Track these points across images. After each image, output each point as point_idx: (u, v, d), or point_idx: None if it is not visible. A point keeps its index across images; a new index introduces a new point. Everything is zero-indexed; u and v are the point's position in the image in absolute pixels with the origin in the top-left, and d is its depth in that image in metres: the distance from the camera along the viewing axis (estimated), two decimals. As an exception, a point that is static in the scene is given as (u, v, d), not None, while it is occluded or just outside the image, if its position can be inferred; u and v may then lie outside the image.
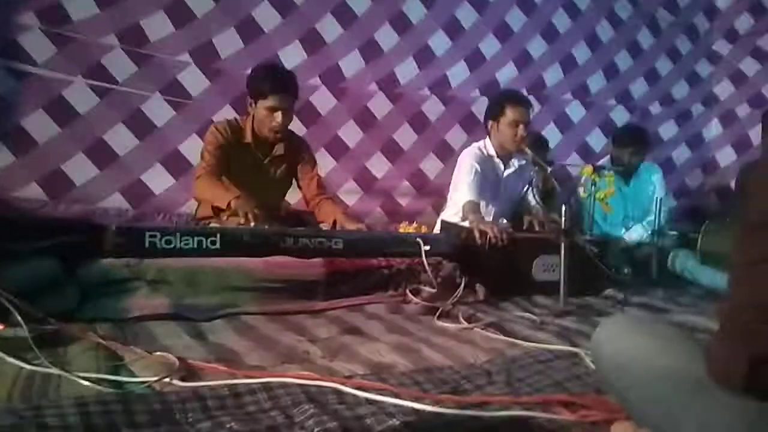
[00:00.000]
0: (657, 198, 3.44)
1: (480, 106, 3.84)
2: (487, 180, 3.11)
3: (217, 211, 2.58)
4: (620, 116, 4.62)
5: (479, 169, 3.05)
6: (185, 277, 2.04)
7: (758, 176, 0.80)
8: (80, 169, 3.10)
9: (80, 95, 3.08)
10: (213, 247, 2.13)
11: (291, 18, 3.56)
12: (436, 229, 3.02)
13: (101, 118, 3.14)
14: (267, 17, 3.50)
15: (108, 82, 3.14)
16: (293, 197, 3.11)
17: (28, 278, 1.77)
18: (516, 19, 4.21)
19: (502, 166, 3.19)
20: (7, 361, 1.36)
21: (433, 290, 2.34)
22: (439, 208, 3.57)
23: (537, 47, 4.30)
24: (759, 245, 0.75)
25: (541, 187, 3.48)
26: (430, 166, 4.06)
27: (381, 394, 1.28)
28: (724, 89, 4.84)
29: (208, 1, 3.35)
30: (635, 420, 1.00)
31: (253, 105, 2.68)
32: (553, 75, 4.39)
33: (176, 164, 3.31)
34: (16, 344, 1.43)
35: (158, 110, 3.27)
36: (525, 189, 3.25)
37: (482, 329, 1.98)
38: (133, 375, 1.34)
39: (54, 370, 1.31)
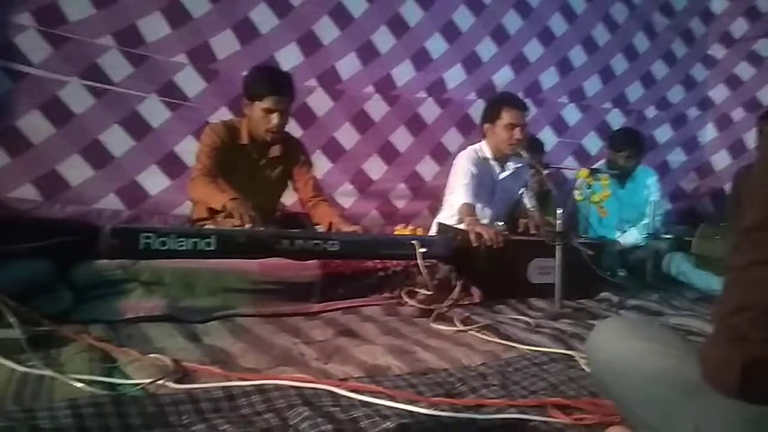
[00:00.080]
0: (652, 201, 3.46)
1: (476, 109, 3.85)
2: (483, 183, 3.11)
3: (212, 212, 2.58)
4: (616, 119, 4.63)
5: (475, 172, 3.05)
6: (180, 279, 2.04)
7: (753, 180, 0.80)
8: (75, 170, 3.09)
9: (76, 96, 3.07)
10: (208, 248, 2.13)
11: (288, 20, 3.55)
12: (432, 232, 3.02)
13: (97, 119, 3.13)
14: (264, 19, 3.49)
15: (104, 83, 3.12)
16: (289, 199, 3.10)
17: (22, 279, 1.76)
18: (512, 22, 4.21)
19: (498, 169, 3.20)
20: (0, 363, 1.35)
21: (429, 293, 2.33)
22: (435, 210, 3.57)
23: (533, 50, 4.30)
24: (753, 248, 0.75)
25: (536, 189, 3.48)
26: (426, 168, 4.06)
27: (376, 397, 1.28)
28: (719, 93, 4.85)
29: (205, 2, 3.34)
30: (630, 423, 1.00)
31: (250, 106, 2.68)
32: (549, 78, 4.39)
33: (172, 165, 3.30)
34: (9, 346, 1.42)
35: (154, 111, 3.26)
36: (521, 192, 3.26)
37: (477, 332, 1.98)
38: (126, 377, 1.34)
39: (47, 372, 1.30)
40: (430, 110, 4.03)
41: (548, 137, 4.29)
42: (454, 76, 4.07)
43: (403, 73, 3.91)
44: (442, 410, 1.23)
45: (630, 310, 2.55)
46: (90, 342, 1.55)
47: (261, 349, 1.65)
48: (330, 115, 3.73)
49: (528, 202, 3.26)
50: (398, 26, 3.86)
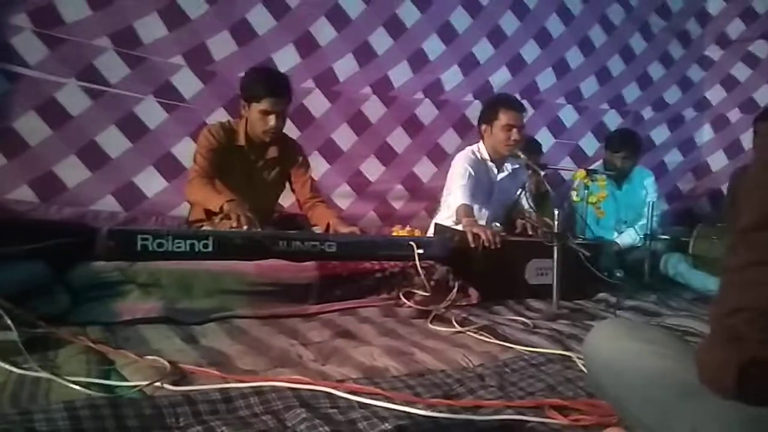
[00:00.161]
0: (649, 202, 3.46)
1: (473, 110, 3.86)
2: (481, 183, 3.11)
3: (209, 214, 2.57)
4: (613, 121, 4.64)
5: (473, 173, 3.05)
6: (177, 281, 2.03)
7: (749, 181, 0.80)
8: (72, 172, 3.08)
9: (73, 97, 3.06)
10: (205, 250, 2.13)
11: (285, 21, 3.55)
12: (430, 233, 3.02)
13: (94, 121, 3.12)
14: (261, 20, 3.49)
15: (100, 85, 3.12)
16: (286, 200, 3.10)
17: (18, 281, 1.75)
18: (509, 23, 4.22)
19: (495, 170, 3.20)
20: (-3, 365, 1.35)
21: (426, 294, 2.33)
22: (432, 211, 3.57)
23: (530, 52, 4.31)
24: (749, 249, 0.75)
25: (534, 190, 3.49)
26: (424, 169, 4.06)
27: (373, 398, 1.28)
28: (715, 94, 4.87)
29: (202, 3, 3.34)
30: (627, 424, 1.00)
31: (247, 108, 2.68)
32: (546, 79, 4.40)
33: (169, 167, 3.29)
34: (5, 348, 1.41)
35: (151, 113, 3.26)
36: (518, 193, 3.26)
37: (475, 333, 1.98)
38: (123, 379, 1.34)
39: (44, 374, 1.30)
40: (427, 111, 4.03)
41: (545, 138, 4.30)
42: (451, 77, 4.07)
43: (400, 75, 3.91)
44: (440, 411, 1.23)
45: (627, 311, 2.55)
46: (87, 344, 1.54)
47: (258, 350, 1.65)
48: (327, 117, 3.73)
49: (525, 203, 3.26)
50: (395, 27, 3.86)
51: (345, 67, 3.75)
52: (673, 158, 4.90)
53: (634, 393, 0.91)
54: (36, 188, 3.01)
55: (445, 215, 3.11)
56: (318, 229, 2.76)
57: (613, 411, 1.07)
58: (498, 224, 3.15)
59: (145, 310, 1.90)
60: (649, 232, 3.29)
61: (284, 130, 2.81)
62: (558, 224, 2.40)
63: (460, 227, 2.79)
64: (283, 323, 2.00)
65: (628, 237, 3.65)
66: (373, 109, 3.87)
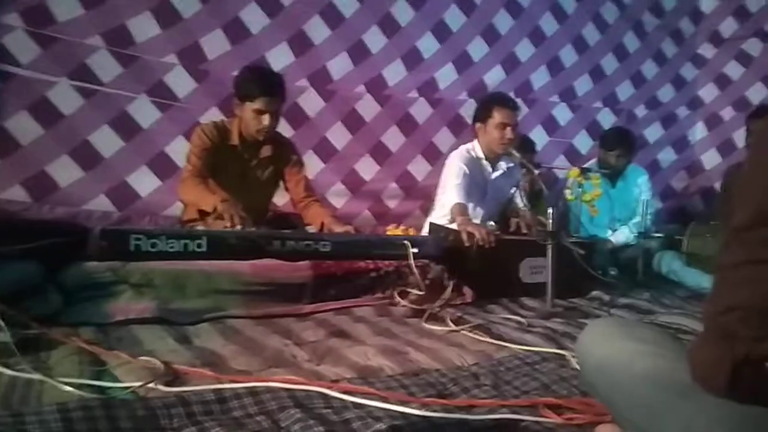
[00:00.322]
0: (643, 200, 3.47)
1: (468, 109, 3.86)
2: (475, 182, 3.12)
3: (203, 213, 2.56)
4: (606, 119, 4.65)
5: (467, 172, 3.05)
6: (171, 281, 2.02)
7: (743, 179, 0.80)
8: (65, 171, 3.07)
9: (65, 96, 3.04)
10: (199, 250, 2.12)
11: (278, 19, 3.54)
12: (424, 232, 3.02)
13: (86, 120, 3.11)
14: (254, 18, 3.48)
15: (93, 84, 3.10)
16: (281, 199, 3.09)
17: (10, 281, 1.74)
18: (503, 22, 4.22)
19: (489, 169, 3.20)
20: (-12, 367, 1.34)
21: (421, 293, 2.33)
22: (427, 210, 3.57)
23: (524, 50, 4.31)
24: (742, 248, 0.75)
25: (528, 189, 3.49)
26: (418, 168, 4.06)
27: (368, 398, 1.27)
28: (708, 92, 4.88)
29: (195, 2, 3.31)
30: (620, 422, 1.00)
31: (240, 107, 2.67)
32: (540, 78, 4.40)
33: (162, 166, 3.28)
34: (-3, 349, 1.40)
35: (144, 112, 3.24)
36: (512, 191, 3.27)
37: (469, 332, 1.98)
38: (116, 380, 1.33)
39: (36, 376, 1.29)
40: (421, 110, 4.03)
41: (539, 137, 4.30)
42: (446, 75, 4.07)
43: (395, 73, 3.91)
44: (435, 411, 1.23)
45: (621, 309, 2.56)
46: (79, 345, 1.53)
47: (252, 350, 1.65)
48: (321, 115, 3.73)
49: (519, 201, 3.27)
50: (389, 26, 3.86)
51: (339, 65, 3.74)
52: (667, 156, 4.91)
53: (627, 392, 0.91)
54: (28, 188, 2.99)
55: (440, 214, 3.11)
56: (312, 229, 2.76)
57: (606, 409, 1.07)
58: (492, 223, 3.16)
59: (138, 311, 1.89)
60: (642, 230, 3.31)
61: (278, 129, 2.81)
62: (552, 222, 2.40)
63: (454, 226, 2.79)
64: (277, 323, 1.99)
65: (621, 235, 3.67)
66: (368, 107, 3.86)
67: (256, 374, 1.42)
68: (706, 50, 4.88)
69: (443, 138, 4.09)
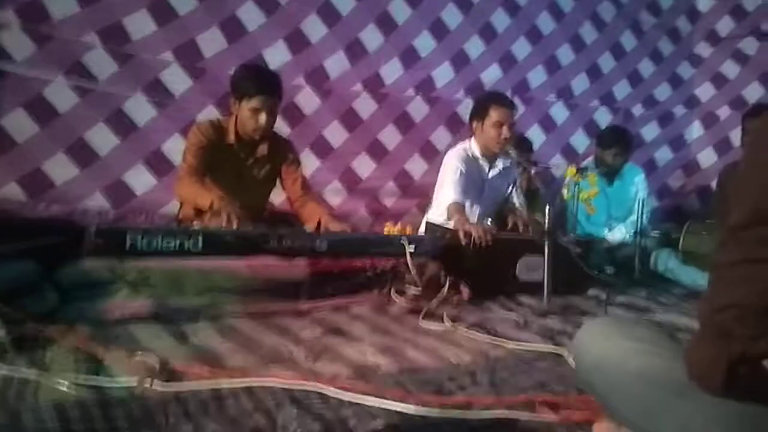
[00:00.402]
0: (639, 199, 3.48)
1: (465, 107, 3.86)
2: (472, 181, 3.12)
3: (199, 211, 2.56)
4: (603, 117, 4.66)
5: (464, 170, 3.05)
6: (167, 279, 2.02)
7: (739, 178, 0.81)
8: (60, 169, 3.06)
9: (60, 94, 3.04)
10: (195, 248, 2.12)
11: (275, 17, 3.54)
12: (421, 230, 3.02)
13: (82, 118, 3.10)
14: (251, 16, 3.48)
15: (89, 81, 3.09)
16: (277, 198, 3.09)
17: (6, 279, 1.73)
18: (500, 20, 4.23)
19: (486, 167, 3.21)
20: (-16, 365, 1.34)
21: (418, 291, 2.34)
22: (424, 208, 3.57)
23: (521, 49, 4.32)
24: (739, 246, 0.75)
25: (524, 187, 3.49)
26: (415, 166, 4.06)
27: (365, 396, 1.27)
28: (705, 91, 4.89)
29: (192, -1, 3.32)
30: (616, 420, 1.01)
31: (237, 105, 2.66)
32: (537, 76, 4.41)
33: (158, 164, 3.28)
34: (-7, 347, 1.40)
35: (140, 110, 3.23)
36: (509, 190, 3.27)
37: (466, 330, 1.98)
38: (113, 378, 1.32)
39: (32, 374, 1.28)
40: (418, 108, 4.03)
41: (536, 135, 4.31)
42: (443, 74, 4.07)
43: (392, 72, 3.91)
44: (431, 409, 1.23)
45: (617, 307, 2.57)
46: (76, 343, 1.53)
47: (249, 348, 1.64)
48: (318, 114, 3.72)
49: (516, 200, 3.27)
50: (386, 24, 3.85)
51: (336, 64, 3.74)
52: (663, 155, 4.92)
53: (624, 391, 0.92)
54: (24, 186, 2.99)
55: (437, 212, 3.11)
56: (309, 227, 2.75)
57: (603, 408, 1.07)
58: (489, 221, 3.16)
59: (134, 309, 1.89)
60: (639, 229, 3.31)
61: (275, 128, 2.80)
62: (549, 221, 2.41)
63: (451, 224, 2.79)
64: (274, 321, 1.99)
65: (618, 233, 3.67)
66: (365, 105, 3.86)
67: (253, 372, 1.41)
68: (703, 49, 4.89)
69: (440, 136, 4.09)
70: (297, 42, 3.61)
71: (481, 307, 2.41)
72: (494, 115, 3.06)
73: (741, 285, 0.74)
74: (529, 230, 2.89)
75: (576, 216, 3.16)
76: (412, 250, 2.43)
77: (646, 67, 4.80)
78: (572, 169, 2.93)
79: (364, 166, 3.90)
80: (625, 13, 4.68)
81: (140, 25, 3.19)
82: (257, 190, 2.86)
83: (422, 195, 3.81)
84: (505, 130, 3.05)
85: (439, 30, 4.02)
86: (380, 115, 3.91)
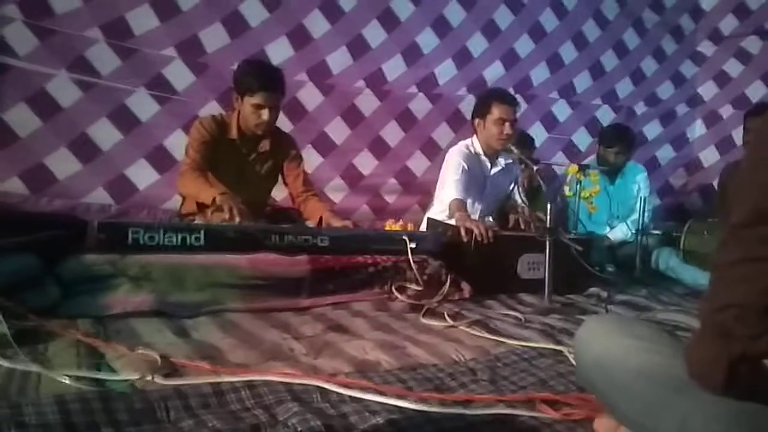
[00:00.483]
0: (641, 197, 3.48)
1: (467, 105, 3.85)
2: (474, 178, 3.12)
3: (201, 207, 2.56)
4: (606, 116, 4.65)
5: (466, 167, 3.05)
6: (169, 274, 2.02)
7: (740, 177, 0.81)
8: (63, 164, 3.07)
9: (63, 89, 3.04)
10: (197, 243, 2.12)
11: (278, 13, 3.53)
12: (423, 227, 3.02)
13: (84, 112, 3.10)
14: (254, 12, 3.47)
15: (91, 76, 3.10)
16: (279, 194, 3.09)
17: (8, 274, 1.74)
18: (503, 17, 4.22)
19: (488, 165, 3.20)
20: (-14, 358, 1.34)
21: (419, 288, 2.34)
22: (425, 205, 3.57)
23: (524, 46, 4.31)
24: (740, 246, 0.75)
25: (526, 185, 3.49)
26: (417, 163, 4.06)
27: (365, 392, 1.27)
28: (708, 90, 4.89)
29: (194, -6, 3.31)
30: (616, 418, 1.01)
31: (240, 101, 2.66)
32: (539, 74, 4.40)
33: (161, 159, 3.28)
34: (-5, 341, 1.40)
35: (143, 105, 3.24)
36: (511, 187, 3.27)
37: (467, 327, 1.98)
38: (114, 372, 1.33)
39: (34, 368, 1.29)
40: (420, 105, 4.03)
41: (538, 133, 4.31)
42: (445, 71, 4.07)
43: (394, 68, 3.91)
44: (432, 406, 1.24)
45: (618, 305, 2.56)
46: (77, 337, 1.53)
47: (250, 344, 1.65)
48: (320, 110, 3.72)
49: (518, 197, 3.27)
50: (389, 21, 3.85)
51: (338, 60, 3.73)
52: (665, 154, 4.92)
53: (624, 388, 0.92)
54: (26, 180, 2.99)
55: (438, 209, 3.11)
56: (310, 223, 2.75)
57: (603, 406, 1.08)
58: (491, 219, 3.16)
59: (136, 304, 1.89)
60: (640, 227, 3.31)
61: (277, 123, 2.80)
62: (550, 219, 2.41)
63: (452, 222, 2.79)
64: (275, 317, 1.99)
65: (619, 232, 3.67)
66: (367, 102, 3.86)
67: (254, 368, 1.42)
68: (706, 48, 4.88)
69: (442, 133, 4.09)
70: (299, 38, 3.60)
71: (482, 304, 2.41)
72: (496, 112, 3.06)
73: (742, 284, 0.74)
74: (530, 228, 2.89)
75: (577, 214, 3.16)
76: (414, 247, 2.43)
77: (649, 66, 4.79)
78: (574, 168, 2.93)
79: (366, 162, 3.90)
80: (628, 11, 4.67)
81: (143, 20, 3.19)
82: (259, 186, 2.86)
83: (424, 192, 3.81)
84: (507, 127, 3.05)
85: (441, 27, 4.02)
86: (382, 112, 3.91)
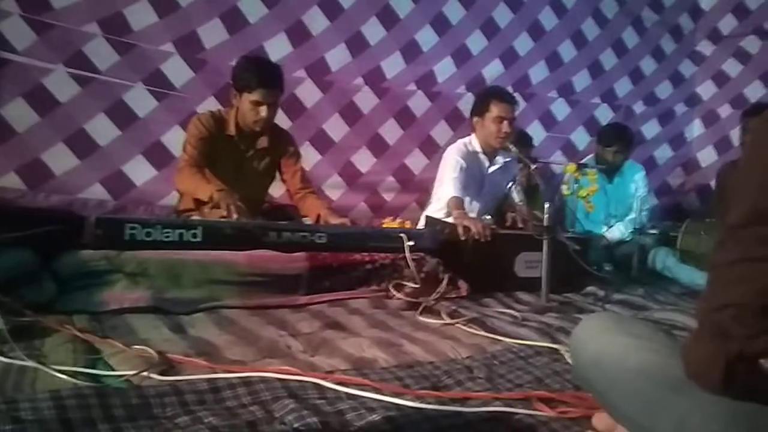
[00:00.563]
0: (639, 196, 3.48)
1: (466, 103, 3.85)
2: (472, 176, 3.11)
3: (199, 203, 2.56)
4: (604, 115, 4.65)
5: (464, 165, 3.05)
6: (166, 270, 2.02)
7: (738, 177, 0.81)
8: (60, 159, 3.05)
9: (61, 84, 3.02)
10: (194, 239, 2.12)
11: (276, 9, 3.52)
12: (420, 225, 3.02)
13: (82, 108, 3.09)
14: (252, 8, 3.46)
15: (89, 71, 3.08)
16: (277, 191, 3.09)
17: (5, 269, 1.74)
18: (503, 16, 4.21)
19: (486, 163, 3.20)
20: (-18, 354, 1.34)
21: (416, 286, 2.33)
22: (423, 203, 3.57)
23: (523, 44, 4.31)
24: (737, 246, 0.75)
25: (524, 184, 3.49)
26: (415, 161, 4.05)
27: (362, 390, 1.28)
28: (706, 89, 4.89)
29: (192, -10, 3.30)
30: (613, 417, 1.01)
31: (238, 97, 2.65)
32: (538, 72, 4.40)
33: (158, 155, 3.27)
34: (-9, 336, 1.40)
35: (140, 100, 3.22)
36: (509, 186, 3.27)
37: (464, 325, 1.99)
38: (110, 368, 1.33)
39: (30, 363, 1.29)
40: (419, 103, 4.02)
41: (537, 132, 4.30)
42: (444, 69, 4.06)
43: (393, 66, 3.90)
44: (428, 403, 1.24)
45: (615, 305, 2.57)
46: (73, 333, 1.53)
47: (247, 341, 1.65)
48: (319, 107, 3.71)
49: (516, 196, 3.27)
50: (388, 18, 3.84)
51: (337, 57, 3.72)
52: (664, 153, 4.92)
53: (621, 387, 0.92)
54: (23, 175, 2.98)
55: (436, 207, 3.11)
56: (308, 220, 2.75)
57: (599, 404, 1.08)
58: (488, 217, 3.16)
59: (132, 300, 1.89)
60: (638, 227, 3.32)
61: (275, 120, 2.79)
62: (548, 218, 2.41)
63: (450, 220, 2.79)
64: (272, 314, 1.99)
65: (617, 231, 3.67)
66: (365, 100, 3.85)
67: (251, 364, 1.42)
68: (705, 47, 4.89)
69: (441, 131, 4.08)
70: (298, 34, 3.59)
71: (479, 302, 2.41)
72: (495, 110, 3.05)
73: (739, 284, 0.74)
74: (528, 227, 2.89)
75: (575, 213, 3.17)
76: (411, 245, 2.43)
77: (648, 65, 4.79)
78: (572, 166, 2.93)
79: (364, 160, 3.90)
80: (627, 10, 4.66)
81: (141, 15, 3.17)
82: (257, 183, 2.86)
83: (422, 190, 3.80)
84: (505, 125, 3.05)
85: (440, 24, 4.01)
86: (381, 110, 3.90)
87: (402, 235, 2.45)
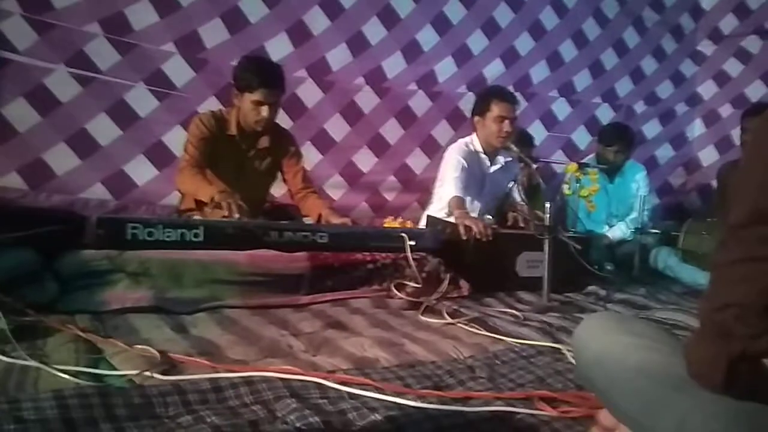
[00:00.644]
0: (640, 196, 3.48)
1: (467, 102, 3.85)
2: (473, 176, 3.11)
3: (200, 203, 2.56)
4: (605, 114, 4.65)
5: (465, 165, 3.05)
6: (167, 270, 2.02)
7: (739, 177, 0.81)
8: (61, 159, 3.05)
9: (62, 84, 3.02)
10: (196, 239, 2.12)
11: (277, 9, 3.52)
12: (422, 225, 3.02)
13: (83, 108, 3.09)
14: (253, 8, 3.46)
15: (91, 71, 3.08)
16: (278, 190, 3.09)
17: (6, 269, 1.74)
18: (503, 15, 4.21)
19: (488, 162, 3.20)
20: (-15, 354, 1.34)
21: (418, 285, 2.34)
22: (424, 203, 3.57)
23: (524, 44, 4.31)
24: (739, 245, 0.75)
25: (525, 183, 3.49)
26: (417, 161, 4.05)
27: (364, 389, 1.28)
28: (707, 89, 4.89)
29: (194, -10, 3.30)
30: (615, 416, 1.01)
31: (239, 97, 2.65)
32: (539, 72, 4.40)
33: (160, 155, 3.27)
34: (-7, 336, 1.40)
35: (142, 100, 3.22)
36: (510, 185, 3.27)
37: (466, 325, 1.99)
38: (112, 368, 1.33)
39: (32, 363, 1.29)
40: (420, 103, 4.02)
41: (538, 131, 4.31)
42: (445, 68, 4.06)
43: (394, 65, 3.90)
44: (430, 402, 1.24)
45: (617, 304, 2.57)
46: (76, 333, 1.53)
47: (249, 340, 1.65)
48: (320, 107, 3.72)
49: (517, 195, 3.27)
50: (389, 18, 3.84)
51: (338, 56, 3.73)
52: (665, 153, 4.92)
53: (623, 386, 0.92)
54: (25, 175, 2.98)
55: (438, 207, 3.11)
56: (309, 220, 2.75)
57: (601, 403, 1.08)
58: (490, 216, 3.16)
59: (134, 299, 1.89)
60: (639, 226, 3.32)
61: (276, 120, 2.79)
62: (549, 217, 2.41)
63: (452, 219, 2.79)
64: (273, 313, 1.99)
65: (618, 231, 3.68)
66: (367, 99, 3.85)
67: (253, 364, 1.42)
68: (706, 47, 4.88)
69: (442, 131, 4.09)
70: (299, 34, 3.59)
71: (481, 302, 2.41)
72: (496, 109, 3.06)
73: (741, 284, 0.74)
74: (529, 226, 2.89)
75: (576, 213, 3.17)
76: (413, 245, 2.43)
77: (649, 65, 4.79)
78: (573, 166, 2.93)
79: (366, 160, 3.90)
80: (628, 10, 4.66)
81: (142, 15, 3.18)
82: (258, 183, 2.86)
83: (423, 190, 3.80)
84: (506, 125, 3.05)
85: (441, 24, 4.01)
86: (382, 109, 3.90)
87: (403, 234, 2.46)
